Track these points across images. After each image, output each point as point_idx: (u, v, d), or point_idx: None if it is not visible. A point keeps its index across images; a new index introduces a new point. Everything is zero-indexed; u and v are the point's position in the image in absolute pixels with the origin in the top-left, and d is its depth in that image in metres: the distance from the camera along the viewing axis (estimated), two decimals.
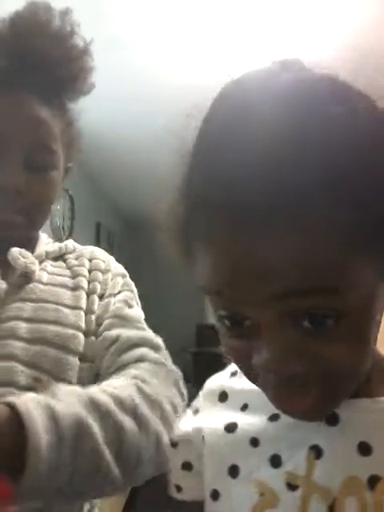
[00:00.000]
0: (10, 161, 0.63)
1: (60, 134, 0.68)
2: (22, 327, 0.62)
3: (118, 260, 0.83)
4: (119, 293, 0.72)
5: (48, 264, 0.72)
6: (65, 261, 0.75)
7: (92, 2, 1.88)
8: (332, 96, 0.30)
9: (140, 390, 0.54)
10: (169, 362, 0.65)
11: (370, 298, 0.33)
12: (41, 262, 0.71)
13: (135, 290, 0.76)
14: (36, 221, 0.70)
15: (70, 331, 0.65)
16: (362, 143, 0.29)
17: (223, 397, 0.47)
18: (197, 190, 0.35)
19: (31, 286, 0.67)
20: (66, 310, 0.67)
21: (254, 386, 0.43)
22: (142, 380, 0.56)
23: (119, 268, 0.78)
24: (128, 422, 0.50)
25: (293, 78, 0.31)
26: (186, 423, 0.51)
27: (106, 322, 0.67)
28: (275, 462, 0.40)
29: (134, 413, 0.51)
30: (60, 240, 0.81)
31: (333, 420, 0.38)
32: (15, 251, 0.67)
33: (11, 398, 0.44)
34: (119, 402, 0.51)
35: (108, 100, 2.64)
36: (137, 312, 0.71)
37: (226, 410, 0.46)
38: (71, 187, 0.94)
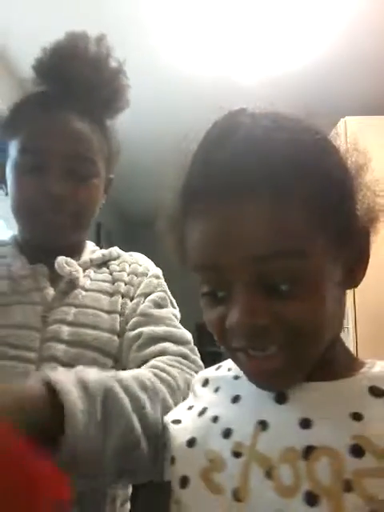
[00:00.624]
0: (54, 171, 0.69)
1: (99, 147, 0.74)
2: (65, 330, 0.67)
3: None
4: (151, 293, 0.76)
5: (92, 271, 0.77)
6: (108, 267, 0.80)
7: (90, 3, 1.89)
8: (296, 123, 0.43)
9: (157, 376, 0.57)
10: (194, 355, 0.68)
11: (323, 268, 0.40)
12: (85, 269, 0.76)
13: (169, 292, 0.79)
14: (81, 223, 0.75)
15: (107, 335, 0.69)
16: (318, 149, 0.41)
17: (205, 383, 0.55)
18: (195, 180, 0.43)
19: (75, 291, 0.72)
20: (104, 315, 0.71)
21: (226, 373, 0.52)
22: (161, 369, 0.59)
23: (156, 270, 0.82)
24: (147, 401, 0.53)
25: (265, 110, 0.44)
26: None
27: (132, 320, 0.71)
28: (227, 434, 0.45)
29: (153, 391, 0.54)
30: None
31: (282, 399, 0.44)
32: (61, 260, 0.73)
33: (45, 374, 0.48)
34: (139, 381, 0.54)
35: None
36: (167, 311, 0.75)
37: (205, 393, 0.53)
38: None
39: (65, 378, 0.47)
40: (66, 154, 0.70)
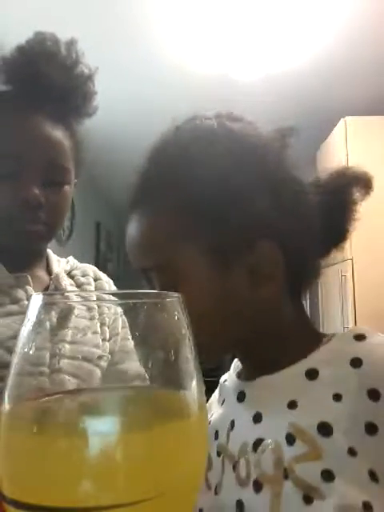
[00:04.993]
0: (29, 178, 0.68)
1: (71, 153, 0.74)
2: None
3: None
4: (122, 329, 0.80)
5: (68, 283, 0.79)
6: (73, 278, 0.81)
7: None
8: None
9: None
10: None
11: (195, 276, 0.45)
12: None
13: None
14: (54, 230, 0.75)
15: (95, 350, 0.71)
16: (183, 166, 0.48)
17: (221, 390, 0.57)
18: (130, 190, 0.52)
19: None
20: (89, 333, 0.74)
21: (229, 381, 0.54)
22: None
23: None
24: None
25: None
26: None
27: (117, 356, 0.76)
28: (215, 435, 0.50)
29: None
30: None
31: (241, 397, 0.48)
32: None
33: None
34: None
35: (107, 99, 2.64)
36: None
37: (218, 401, 0.55)
38: None
39: None
40: (41, 161, 0.68)
